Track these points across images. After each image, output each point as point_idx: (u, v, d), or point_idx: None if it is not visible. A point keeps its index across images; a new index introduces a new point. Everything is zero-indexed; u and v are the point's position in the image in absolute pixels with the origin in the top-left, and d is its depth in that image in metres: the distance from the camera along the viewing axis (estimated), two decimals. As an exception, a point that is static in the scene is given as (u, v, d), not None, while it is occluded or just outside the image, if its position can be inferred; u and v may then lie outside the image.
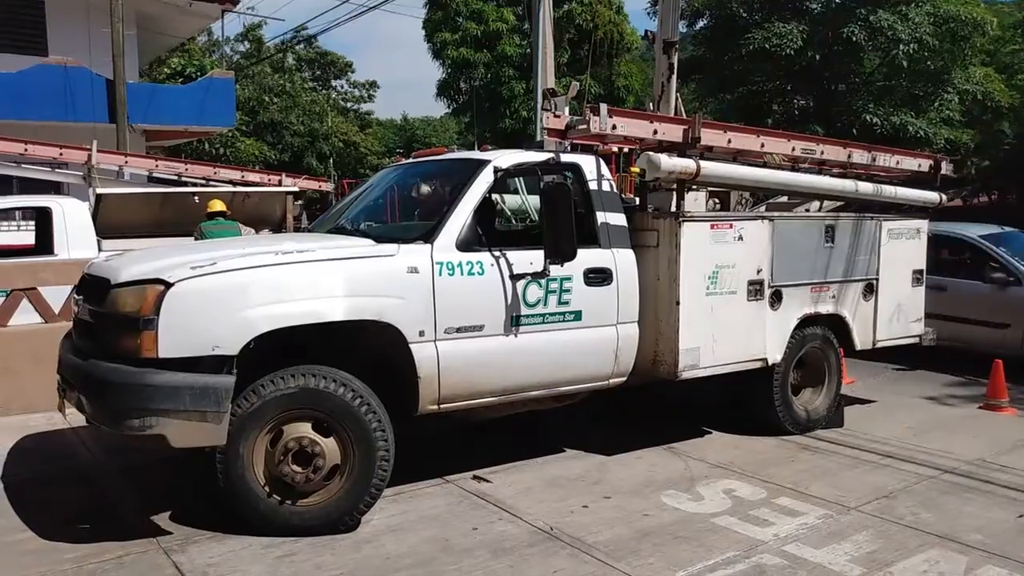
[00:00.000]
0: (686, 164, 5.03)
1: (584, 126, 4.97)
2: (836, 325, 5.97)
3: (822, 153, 6.05)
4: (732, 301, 5.21)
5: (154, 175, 11.57)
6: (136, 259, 4.18)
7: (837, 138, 6.90)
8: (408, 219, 5.32)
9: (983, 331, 7.93)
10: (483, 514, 4.17)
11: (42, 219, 8.03)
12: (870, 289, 6.12)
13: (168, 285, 3.60)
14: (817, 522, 4.10)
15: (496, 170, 4.66)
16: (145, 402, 3.50)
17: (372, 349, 4.21)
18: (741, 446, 5.46)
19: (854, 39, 16.02)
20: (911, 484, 4.70)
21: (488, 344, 4.37)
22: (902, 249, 6.32)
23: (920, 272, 6.51)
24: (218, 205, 8.60)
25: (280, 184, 11.58)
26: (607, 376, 4.95)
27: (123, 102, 14.56)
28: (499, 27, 23.18)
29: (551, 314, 4.61)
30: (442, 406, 4.31)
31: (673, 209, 5.20)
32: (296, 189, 11.16)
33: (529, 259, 4.50)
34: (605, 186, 5.08)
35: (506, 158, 4.79)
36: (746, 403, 5.77)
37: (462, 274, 4.30)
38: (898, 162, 6.62)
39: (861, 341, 6.13)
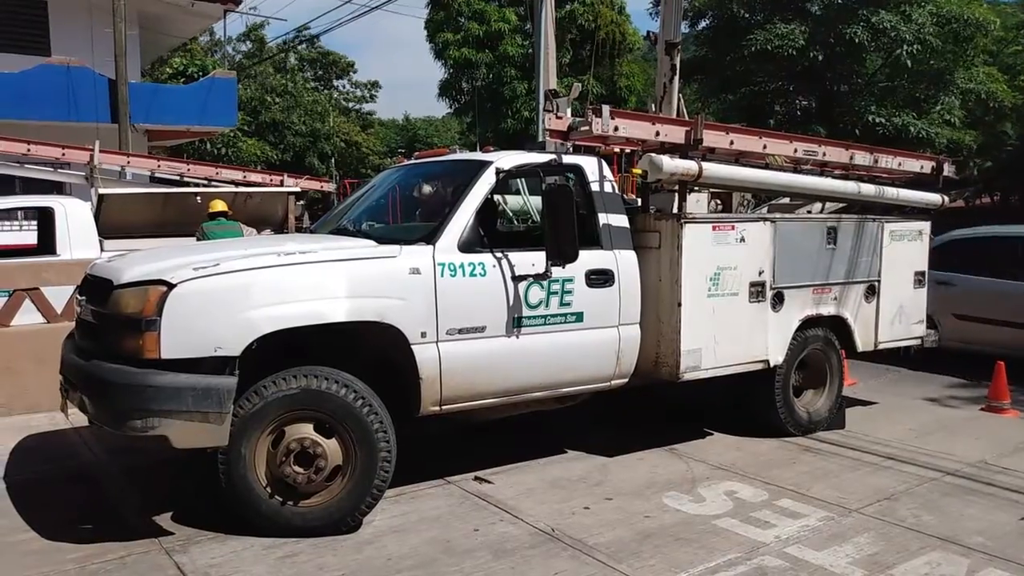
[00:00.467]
0: (688, 166, 5.03)
1: (586, 127, 4.98)
2: (838, 327, 5.97)
3: (824, 155, 6.05)
4: (734, 303, 5.21)
5: (156, 175, 11.58)
6: (138, 260, 4.19)
7: (839, 139, 6.91)
8: (410, 220, 5.33)
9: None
10: (485, 515, 4.18)
11: (44, 219, 8.04)
12: (872, 291, 6.12)
13: (171, 286, 3.60)
14: (819, 524, 4.10)
15: (498, 171, 4.66)
16: (147, 403, 3.50)
17: (374, 350, 4.22)
18: (742, 447, 5.46)
19: (856, 40, 15.99)
20: (913, 486, 4.70)
21: (490, 345, 4.38)
22: (904, 251, 6.32)
23: (922, 274, 6.51)
24: (220, 205, 8.60)
25: (282, 184, 11.58)
26: (609, 377, 4.95)
27: (125, 102, 14.58)
28: (501, 27, 23.18)
29: (553, 315, 4.61)
30: (444, 407, 4.31)
31: (675, 211, 5.20)
32: (298, 189, 11.16)
33: (531, 260, 4.50)
34: (607, 187, 5.08)
35: (508, 159, 4.79)
36: (748, 404, 5.77)
37: (464, 275, 4.30)
38: (900, 164, 6.62)
39: (863, 343, 6.13)
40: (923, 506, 4.38)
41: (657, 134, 5.25)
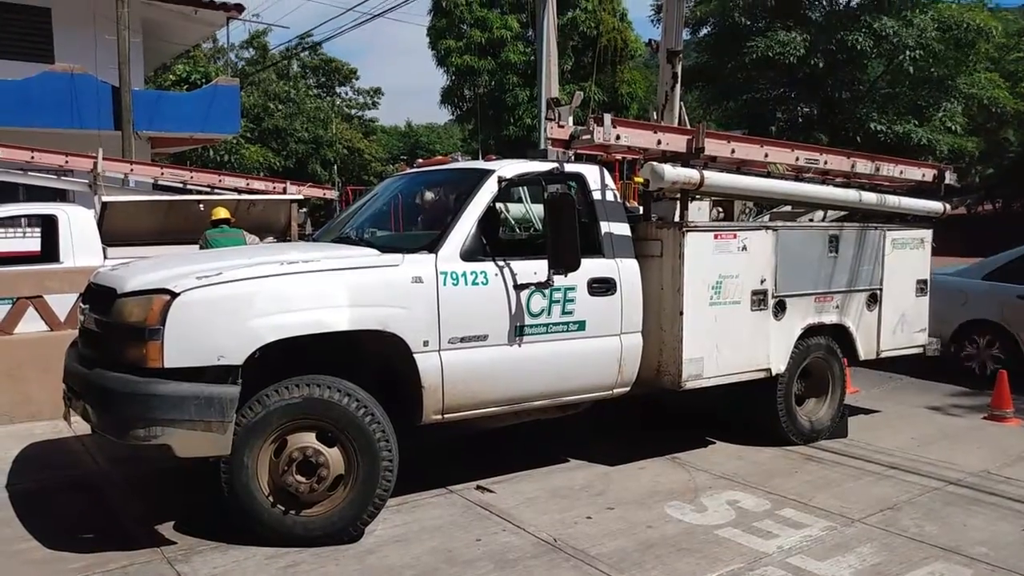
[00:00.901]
0: (690, 174, 5.04)
1: (588, 136, 4.99)
2: (840, 335, 5.97)
3: (825, 163, 6.06)
4: (736, 311, 5.21)
5: (159, 183, 11.61)
6: (142, 269, 4.20)
7: (841, 146, 6.93)
8: (412, 228, 5.34)
9: None
10: (487, 525, 4.17)
11: (48, 227, 8.07)
12: (874, 299, 6.12)
13: (174, 295, 3.62)
14: (821, 534, 4.09)
15: (500, 180, 4.67)
16: (150, 412, 3.51)
17: (376, 358, 4.23)
18: (745, 456, 5.46)
19: (858, 46, 16.03)
20: (915, 496, 4.69)
21: (492, 354, 4.38)
22: (906, 259, 6.32)
23: (924, 282, 6.51)
24: (223, 213, 8.62)
25: (285, 192, 11.61)
26: (611, 386, 4.95)
27: (128, 109, 14.62)
28: (503, 34, 23.25)
29: (555, 324, 4.62)
30: (446, 416, 4.31)
31: (677, 219, 5.21)
32: (300, 197, 11.18)
33: (533, 269, 4.50)
34: (609, 196, 5.09)
35: (510, 168, 4.81)
36: (750, 413, 5.76)
37: (466, 284, 4.31)
38: (902, 172, 6.62)
39: (865, 351, 6.12)
40: (926, 516, 4.37)
41: (659, 143, 5.26)
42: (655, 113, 8.38)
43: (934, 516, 4.37)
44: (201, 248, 8.03)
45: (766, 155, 5.72)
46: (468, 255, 4.36)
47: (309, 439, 3.84)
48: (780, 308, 5.47)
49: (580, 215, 4.66)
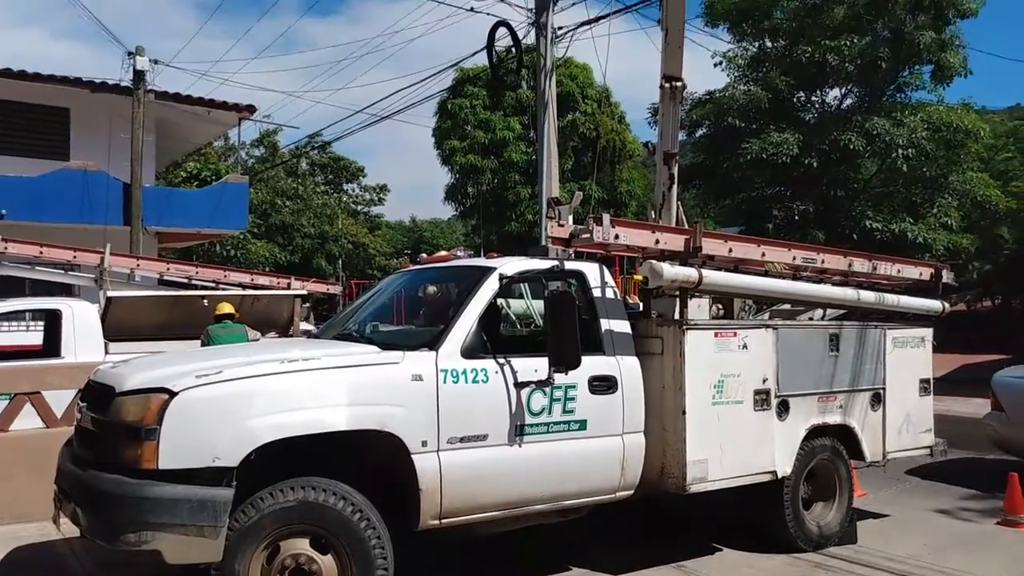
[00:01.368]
0: (688, 273, 5.09)
1: (587, 235, 5.07)
2: (845, 436, 5.88)
3: (823, 262, 6.13)
4: (739, 411, 5.16)
5: (165, 278, 11.74)
6: (142, 366, 4.20)
7: (838, 244, 7.03)
8: (414, 324, 5.36)
9: None
10: (485, 636, 4.00)
11: (51, 321, 8.11)
12: (877, 399, 6.06)
13: (172, 394, 3.60)
14: (835, 648, 3.91)
15: (502, 278, 4.72)
16: (142, 515, 3.43)
17: (373, 458, 4.16)
18: (753, 564, 5.27)
19: (851, 146, 16.48)
20: (931, 606, 4.51)
21: (492, 454, 4.31)
22: (908, 358, 6.30)
23: (927, 382, 6.47)
24: (226, 308, 8.67)
25: (289, 287, 11.72)
26: (614, 489, 4.84)
27: (138, 205, 14.97)
28: (506, 135, 23.99)
29: (556, 423, 4.56)
30: (443, 520, 4.20)
31: (677, 316, 5.23)
32: (304, 292, 11.27)
33: (534, 366, 4.49)
34: (609, 293, 5.13)
35: (511, 265, 4.87)
36: (756, 518, 5.61)
37: (466, 382, 4.29)
38: (899, 271, 6.69)
39: (871, 452, 6.02)
40: (943, 628, 4.18)
41: (657, 242, 5.34)
42: (653, 212, 8.55)
43: (952, 629, 4.18)
44: (203, 344, 8.04)
45: (763, 254, 5.80)
46: (469, 352, 4.35)
47: (303, 545, 3.74)
48: (783, 408, 5.41)
49: (580, 312, 4.68)
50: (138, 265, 11.75)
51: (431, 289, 5.55)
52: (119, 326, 8.79)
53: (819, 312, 6.72)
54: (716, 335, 5.17)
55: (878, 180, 18.49)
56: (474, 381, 4.31)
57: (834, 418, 5.75)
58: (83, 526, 3.72)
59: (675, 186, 8.40)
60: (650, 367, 5.02)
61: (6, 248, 10.72)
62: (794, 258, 5.96)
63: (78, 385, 4.76)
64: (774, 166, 17.09)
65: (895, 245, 15.74)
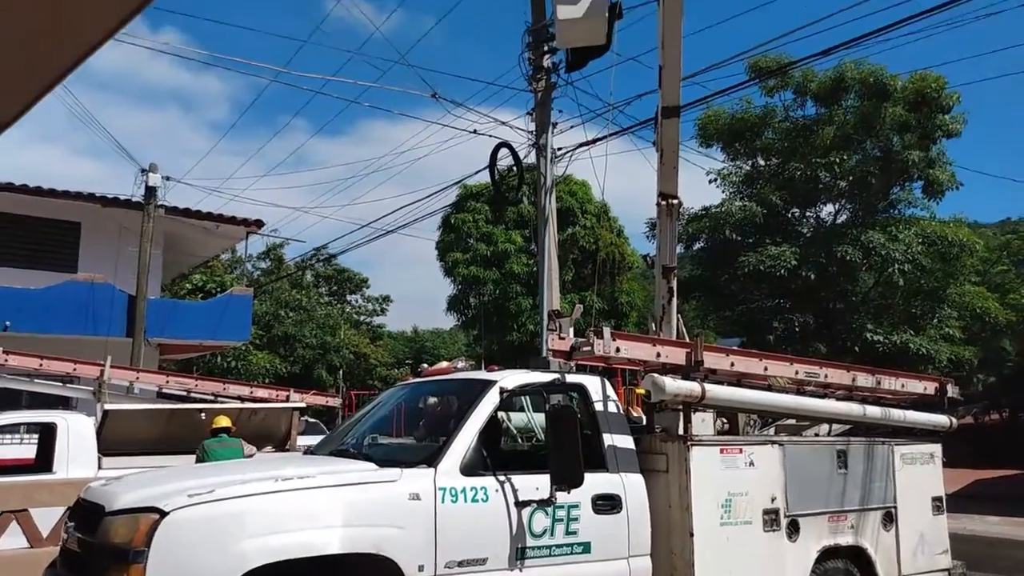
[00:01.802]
0: (691, 387, 5.05)
1: (588, 348, 5.07)
2: (858, 558, 5.65)
3: (826, 376, 6.09)
4: (748, 532, 4.99)
5: (164, 390, 11.66)
6: (133, 484, 4.11)
7: (840, 356, 7.00)
8: (414, 439, 5.28)
9: None
10: None
11: (46, 434, 7.99)
12: (889, 518, 5.87)
13: (163, 514, 3.50)
14: None
15: (502, 391, 4.69)
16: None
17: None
18: None
19: (848, 259, 16.71)
20: None
21: (491, 580, 4.14)
22: (918, 475, 6.15)
23: (939, 499, 6.29)
24: (223, 421, 8.56)
25: (288, 399, 11.61)
26: (620, 617, 4.61)
27: (142, 317, 15.05)
28: (507, 248, 24.41)
29: (558, 546, 4.41)
30: (440, 653, 3.98)
31: (681, 432, 5.15)
32: (303, 405, 11.16)
33: (535, 484, 4.38)
34: (611, 407, 5.07)
35: (512, 379, 4.84)
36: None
37: (466, 501, 4.17)
38: (903, 385, 6.64)
39: (886, 575, 5.77)
40: None
41: (658, 355, 5.34)
42: (653, 324, 8.59)
43: None
44: (198, 459, 7.89)
45: (765, 368, 5.77)
46: (468, 469, 4.26)
47: None
48: (794, 529, 5.23)
49: (582, 427, 4.62)
50: (137, 378, 11.69)
51: (431, 401, 5.50)
52: (116, 439, 8.65)
53: (824, 427, 6.61)
54: (722, 451, 5.07)
55: (876, 293, 18.65)
56: (473, 500, 4.20)
57: (846, 539, 5.55)
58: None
59: (675, 299, 8.47)
60: (655, 485, 4.89)
61: (6, 360, 10.70)
62: (796, 372, 5.93)
63: (68, 502, 4.65)
64: (772, 279, 17.28)
65: (897, 357, 15.68)
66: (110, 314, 14.89)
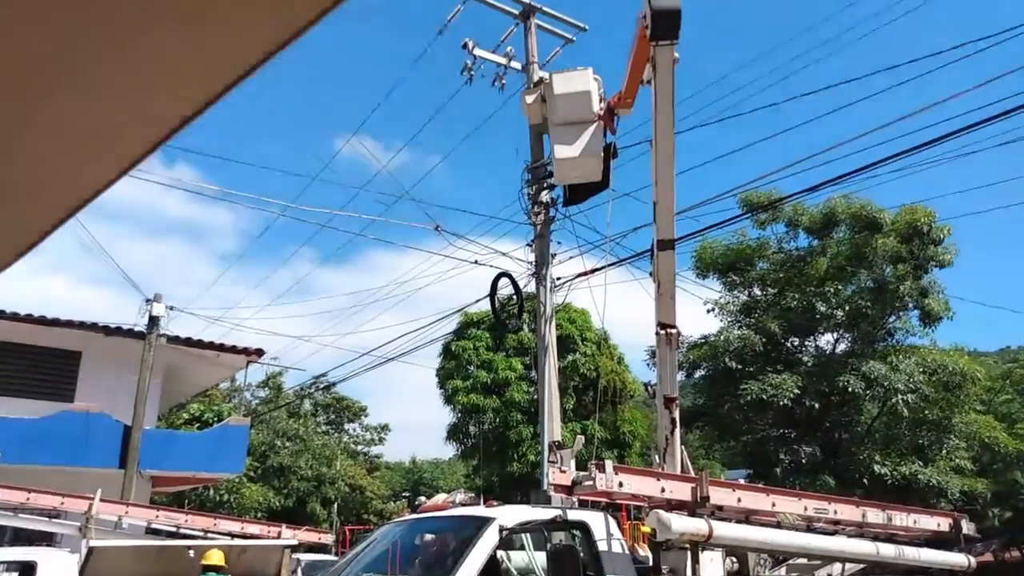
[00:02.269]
0: (698, 526, 4.90)
1: (590, 483, 4.96)
2: None
3: (835, 512, 5.92)
4: None
5: (153, 526, 11.29)
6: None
7: (848, 488, 6.84)
8: (409, 580, 5.07)
9: None
10: None
11: (26, 574, 7.66)
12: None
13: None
14: None
15: (501, 529, 4.55)
16: None
17: None
18: None
19: (850, 389, 16.59)
20: None
21: None
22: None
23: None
24: (214, 558, 8.25)
25: (279, 536, 11.21)
26: None
27: (136, 448, 14.78)
28: (508, 375, 24.32)
29: None
30: None
31: (689, 574, 4.95)
32: (295, 542, 10.77)
33: (536, 632, 4.17)
34: (615, 546, 4.91)
35: (511, 515, 4.71)
36: None
37: (463, 648, 3.96)
38: (915, 521, 6.43)
39: None
40: None
41: (663, 490, 5.21)
42: (657, 457, 8.43)
43: None
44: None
45: (773, 504, 5.62)
46: (467, 614, 4.07)
47: None
48: None
49: (585, 569, 4.45)
50: (127, 512, 11.33)
51: (428, 539, 5.32)
52: (98, 579, 8.29)
53: (837, 567, 6.35)
54: (732, 595, 4.85)
55: (881, 423, 18.40)
56: (471, 651, 3.98)
57: None
58: None
59: (678, 429, 8.38)
60: (662, 631, 4.65)
61: (-8, 494, 10.42)
62: (806, 508, 5.76)
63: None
64: (776, 408, 17.11)
65: (907, 489, 15.27)
66: (104, 445, 14.64)
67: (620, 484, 4.98)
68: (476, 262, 14.01)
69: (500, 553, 5.38)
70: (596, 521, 4.96)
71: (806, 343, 19.64)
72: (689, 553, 5.05)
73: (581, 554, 4.44)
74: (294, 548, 10.47)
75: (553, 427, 12.79)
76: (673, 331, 6.87)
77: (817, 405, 17.13)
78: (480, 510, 5.35)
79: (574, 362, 24.15)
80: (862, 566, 6.18)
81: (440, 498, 7.89)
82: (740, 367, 18.40)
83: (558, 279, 12.94)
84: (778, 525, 5.63)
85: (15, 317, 14.88)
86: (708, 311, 19.72)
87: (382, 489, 36.46)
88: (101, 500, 10.76)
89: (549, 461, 5.84)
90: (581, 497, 5.35)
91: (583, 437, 6.27)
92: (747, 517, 5.64)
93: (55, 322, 15.36)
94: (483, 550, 4.39)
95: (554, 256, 12.62)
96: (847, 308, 17.85)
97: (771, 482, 15.58)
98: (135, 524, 11.38)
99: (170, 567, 8.91)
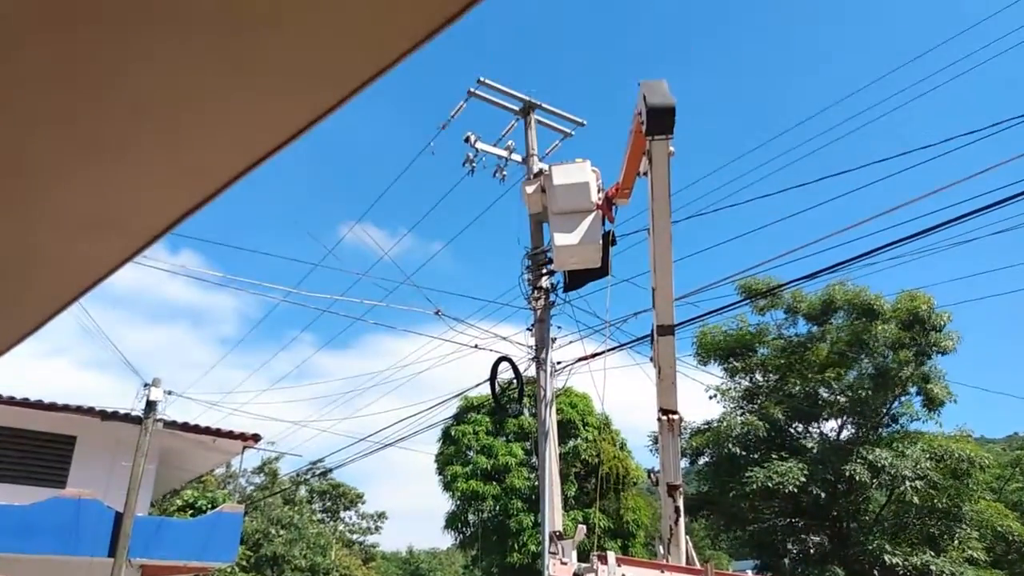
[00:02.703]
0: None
1: (592, 575, 4.85)
2: None
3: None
4: None
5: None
6: None
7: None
8: None
9: None
10: None
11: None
12: None
13: None
14: None
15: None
16: None
17: None
18: None
19: (857, 477, 16.30)
20: None
21: None
22: None
23: None
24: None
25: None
26: None
27: (127, 536, 14.41)
28: (508, 461, 23.93)
29: None
30: None
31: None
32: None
33: None
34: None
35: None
36: None
37: None
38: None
39: None
40: None
41: (667, 584, 5.08)
42: (661, 547, 8.23)
43: None
44: None
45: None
46: None
47: None
48: None
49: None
50: (112, 605, 10.96)
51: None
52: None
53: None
54: None
55: (890, 511, 18.00)
56: None
57: None
58: None
59: (682, 519, 8.22)
60: None
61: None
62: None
63: None
64: (782, 496, 16.77)
65: (921, 581, 14.80)
66: (95, 532, 14.28)
67: (623, 576, 4.87)
68: (476, 346, 14.01)
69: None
70: (598, 616, 4.81)
71: (810, 429, 19.43)
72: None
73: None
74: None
75: (554, 516, 12.49)
76: (675, 417, 6.83)
77: (823, 494, 16.78)
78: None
79: (575, 448, 23.79)
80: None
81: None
82: (744, 453, 18.14)
83: (558, 363, 12.92)
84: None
85: (10, 401, 14.78)
86: (710, 397, 19.61)
87: (377, 581, 35.32)
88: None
89: (550, 552, 5.70)
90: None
91: (584, 527, 6.15)
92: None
93: (51, 406, 15.24)
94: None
95: (554, 340, 12.64)
96: (850, 394, 17.74)
97: (779, 573, 15.13)
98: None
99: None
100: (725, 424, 18.57)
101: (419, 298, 26.61)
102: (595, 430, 24.08)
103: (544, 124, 13.05)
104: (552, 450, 12.96)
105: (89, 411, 15.80)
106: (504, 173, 12.61)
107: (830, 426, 19.42)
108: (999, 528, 17.22)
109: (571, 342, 13.15)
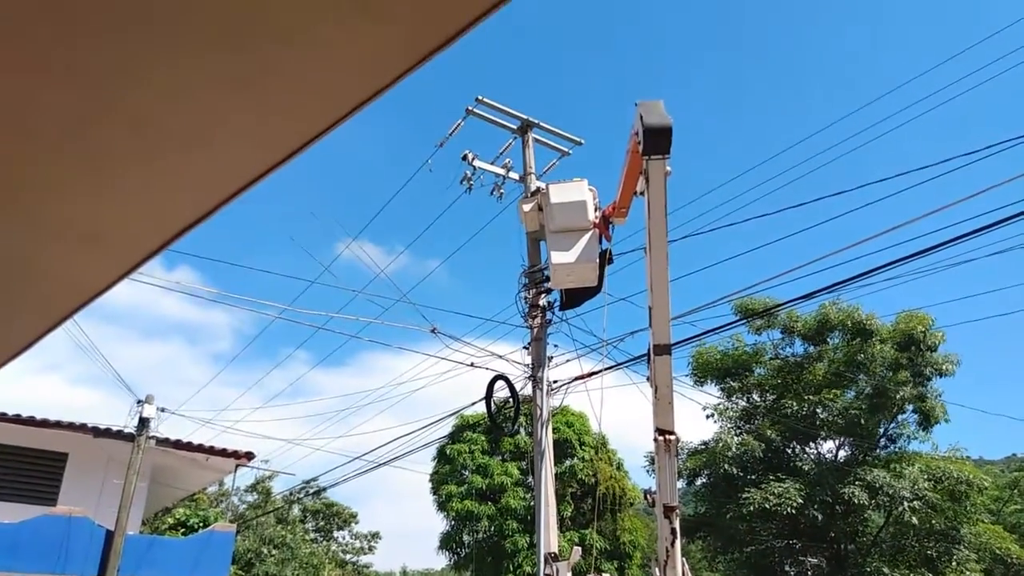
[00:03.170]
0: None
1: (588, 598, 4.79)
2: None
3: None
4: None
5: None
6: None
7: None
8: None
9: None
10: None
11: None
12: None
13: None
14: None
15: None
16: None
17: None
18: None
19: (854, 500, 16.23)
20: None
21: None
22: None
23: None
24: None
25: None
26: None
27: (117, 555, 14.26)
28: (504, 480, 23.78)
29: None
30: None
31: None
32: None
33: None
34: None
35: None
36: None
37: None
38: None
39: None
40: None
41: (663, 607, 5.02)
42: (657, 570, 8.15)
43: None
44: None
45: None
46: None
47: None
48: None
49: None
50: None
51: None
52: None
53: None
54: None
55: (888, 533, 17.90)
56: None
57: None
58: None
59: (678, 540, 8.14)
60: None
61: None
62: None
63: None
64: (779, 517, 16.67)
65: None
66: (85, 551, 14.13)
67: (619, 599, 4.82)
68: (472, 364, 13.95)
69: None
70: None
71: (807, 450, 19.36)
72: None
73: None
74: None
75: (549, 537, 12.38)
76: (672, 437, 6.79)
77: (821, 515, 16.69)
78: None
79: (572, 467, 23.65)
80: None
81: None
82: (741, 474, 18.06)
83: (555, 382, 12.87)
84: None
85: (2, 417, 14.67)
86: (707, 416, 19.55)
87: (371, 603, 34.95)
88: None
89: (545, 574, 5.63)
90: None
91: (579, 548, 6.09)
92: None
93: (43, 423, 15.13)
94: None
95: (551, 359, 12.60)
96: (847, 415, 17.71)
97: (776, 597, 15.00)
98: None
99: None
100: (722, 444, 18.50)
101: (415, 315, 26.58)
102: (592, 450, 23.96)
103: (542, 143, 13.10)
104: (548, 470, 12.87)
105: (81, 428, 15.68)
106: (502, 191, 12.65)
107: (827, 447, 19.36)
108: (997, 550, 17.13)
109: (568, 360, 13.11)
